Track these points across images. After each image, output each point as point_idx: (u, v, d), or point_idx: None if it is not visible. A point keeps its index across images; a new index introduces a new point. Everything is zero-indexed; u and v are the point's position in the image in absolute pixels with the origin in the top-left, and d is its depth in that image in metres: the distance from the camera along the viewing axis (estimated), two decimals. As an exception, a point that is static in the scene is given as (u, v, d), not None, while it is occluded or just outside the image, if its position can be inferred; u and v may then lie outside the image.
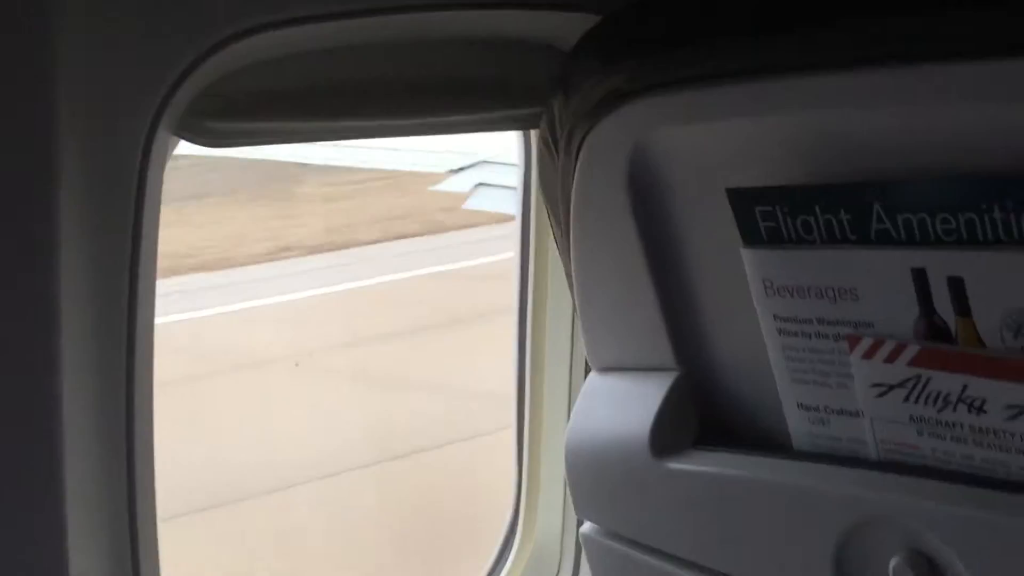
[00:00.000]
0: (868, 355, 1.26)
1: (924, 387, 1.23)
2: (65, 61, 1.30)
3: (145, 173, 1.38)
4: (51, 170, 1.30)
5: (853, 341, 1.27)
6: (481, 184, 7.08)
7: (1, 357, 1.32)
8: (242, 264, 9.65)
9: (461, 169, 7.33)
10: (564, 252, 1.57)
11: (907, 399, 1.25)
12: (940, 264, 1.19)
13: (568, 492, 1.95)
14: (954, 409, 1.22)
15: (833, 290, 1.28)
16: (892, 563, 1.25)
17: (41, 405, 1.34)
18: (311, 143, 1.71)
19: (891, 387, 1.26)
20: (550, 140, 1.52)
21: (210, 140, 1.48)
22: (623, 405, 1.50)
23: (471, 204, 7.32)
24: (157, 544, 1.51)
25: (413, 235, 10.35)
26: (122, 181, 1.37)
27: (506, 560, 2.02)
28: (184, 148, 1.52)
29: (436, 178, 7.86)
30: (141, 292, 1.41)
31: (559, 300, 1.92)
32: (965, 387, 1.20)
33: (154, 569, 1.51)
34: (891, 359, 1.25)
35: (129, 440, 1.44)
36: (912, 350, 1.23)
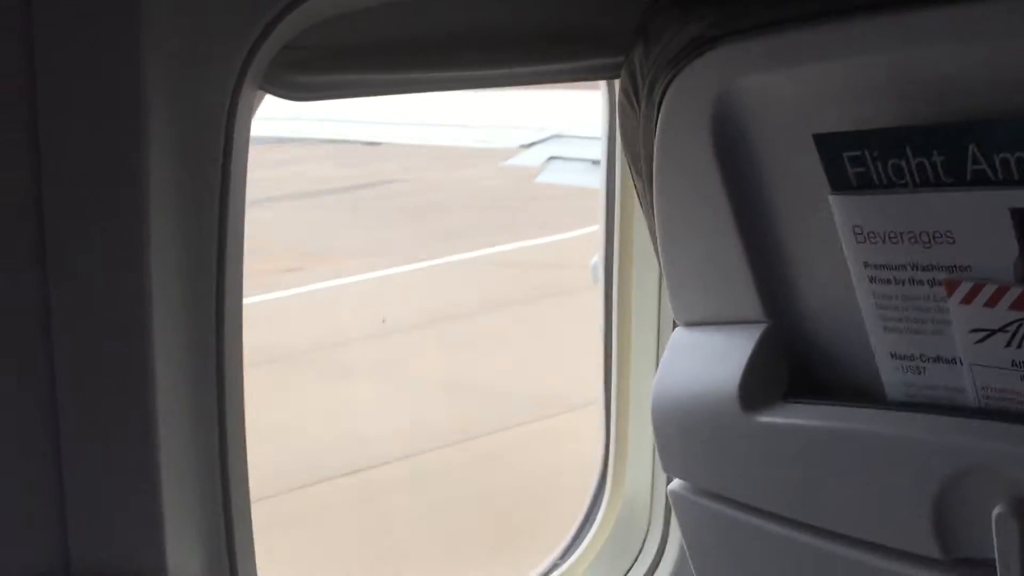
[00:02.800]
0: (967, 300, 1.23)
1: None
2: (150, 18, 1.30)
3: (232, 126, 1.38)
4: (139, 125, 1.31)
5: (951, 286, 1.23)
6: (553, 158, 7.06)
7: (92, 315, 1.33)
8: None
9: (532, 144, 7.32)
10: (647, 206, 1.54)
11: (1009, 344, 1.21)
12: None
13: (657, 450, 1.94)
14: None
15: (927, 234, 1.24)
16: (995, 512, 1.22)
17: (133, 365, 1.35)
18: (397, 95, 1.71)
19: (992, 332, 1.22)
20: (631, 91, 1.49)
21: (295, 94, 1.49)
22: (711, 359, 1.48)
23: (543, 178, 7.30)
24: (252, 533, 1.52)
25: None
26: (210, 135, 1.38)
27: (594, 519, 2.01)
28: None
29: (507, 153, 7.85)
30: (230, 246, 1.41)
31: (645, 255, 1.90)
32: None
33: (249, 556, 1.52)
34: (992, 303, 1.21)
35: (221, 424, 1.45)
36: (1014, 293, 1.19)
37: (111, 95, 1.32)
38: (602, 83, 1.88)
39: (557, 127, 7.22)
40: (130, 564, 1.38)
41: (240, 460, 1.49)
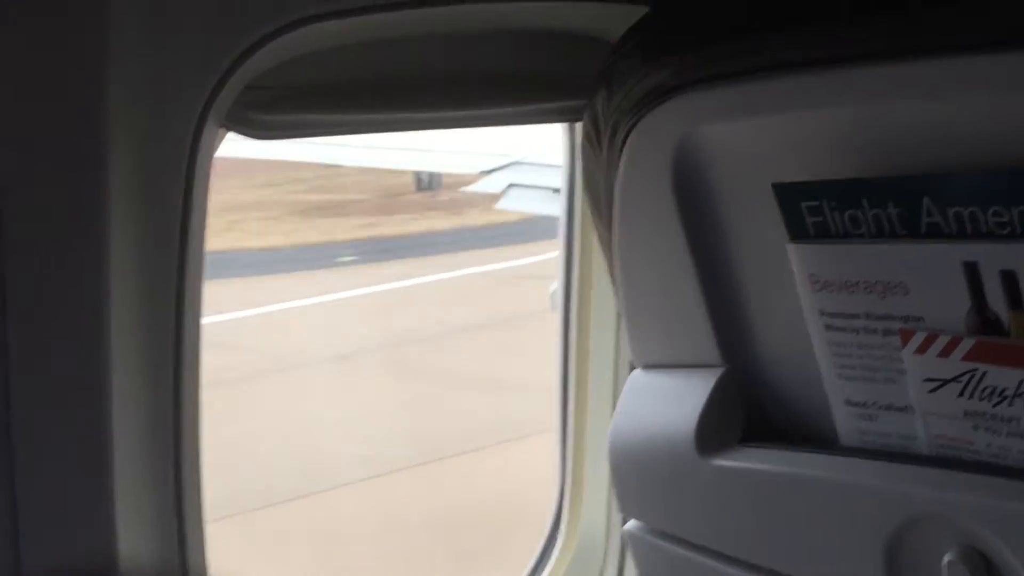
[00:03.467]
0: (921, 350, 1.25)
1: (979, 381, 1.22)
2: (116, 53, 1.31)
3: (194, 164, 1.38)
4: (101, 161, 1.31)
5: (906, 335, 1.25)
6: (513, 185, 7.08)
7: (52, 351, 1.33)
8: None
9: (493, 170, 7.33)
10: (607, 248, 1.56)
11: (962, 394, 1.23)
12: (992, 257, 1.17)
13: (612, 490, 1.95)
14: (1010, 404, 1.20)
15: (882, 284, 1.26)
16: (945, 560, 1.23)
17: (91, 403, 1.34)
18: (353, 136, 1.72)
19: (945, 382, 1.24)
20: (593, 135, 1.51)
21: (258, 132, 1.49)
22: (668, 402, 1.49)
23: (503, 205, 7.32)
24: (203, 525, 1.52)
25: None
26: (171, 172, 1.38)
27: (549, 558, 2.02)
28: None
29: (468, 179, 7.87)
30: (189, 280, 1.41)
31: (603, 297, 1.92)
32: (1021, 381, 1.18)
33: (201, 551, 1.51)
34: (945, 353, 1.23)
35: (176, 419, 1.44)
36: (967, 344, 1.21)
37: (73, 126, 1.32)
38: (562, 129, 1.90)
39: (517, 154, 7.24)
40: (82, 563, 1.37)
41: (194, 464, 1.49)
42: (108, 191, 1.32)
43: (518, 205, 7.29)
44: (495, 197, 7.38)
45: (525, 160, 7.12)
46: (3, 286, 1.31)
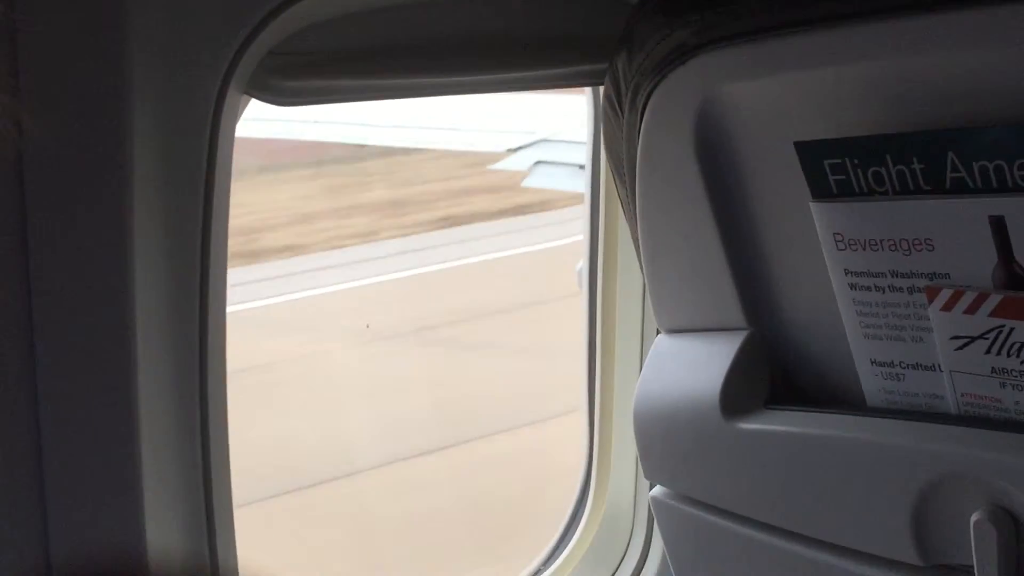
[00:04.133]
0: (947, 307, 1.23)
1: (1007, 338, 1.20)
2: (136, 20, 1.30)
3: (216, 131, 1.38)
4: (124, 129, 1.31)
5: (932, 293, 1.24)
6: (540, 162, 7.06)
7: (76, 325, 1.33)
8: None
9: (520, 148, 7.32)
10: (630, 212, 1.55)
11: (989, 351, 1.22)
12: (1019, 210, 1.16)
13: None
14: None
15: (907, 242, 1.25)
16: (973, 519, 1.22)
17: (115, 365, 1.35)
18: (380, 101, 1.71)
19: (972, 339, 1.23)
20: (615, 97, 1.50)
21: (280, 98, 1.48)
22: (692, 366, 1.49)
23: (530, 182, 7.31)
24: (232, 518, 1.52)
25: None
26: (194, 140, 1.38)
27: (577, 526, 2.01)
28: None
29: (494, 157, 7.85)
30: (214, 250, 1.41)
31: (629, 262, 1.90)
32: None
33: (230, 541, 1.52)
34: (971, 310, 1.22)
35: (203, 408, 1.44)
36: (994, 300, 1.20)
37: (95, 95, 1.32)
38: (587, 89, 1.89)
39: (544, 131, 7.22)
40: (111, 561, 1.38)
41: (221, 439, 1.49)
42: (131, 158, 1.32)
43: (546, 182, 7.27)
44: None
45: (552, 137, 7.11)
46: (27, 254, 1.32)
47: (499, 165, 7.73)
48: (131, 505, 1.37)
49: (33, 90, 1.29)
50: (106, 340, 1.35)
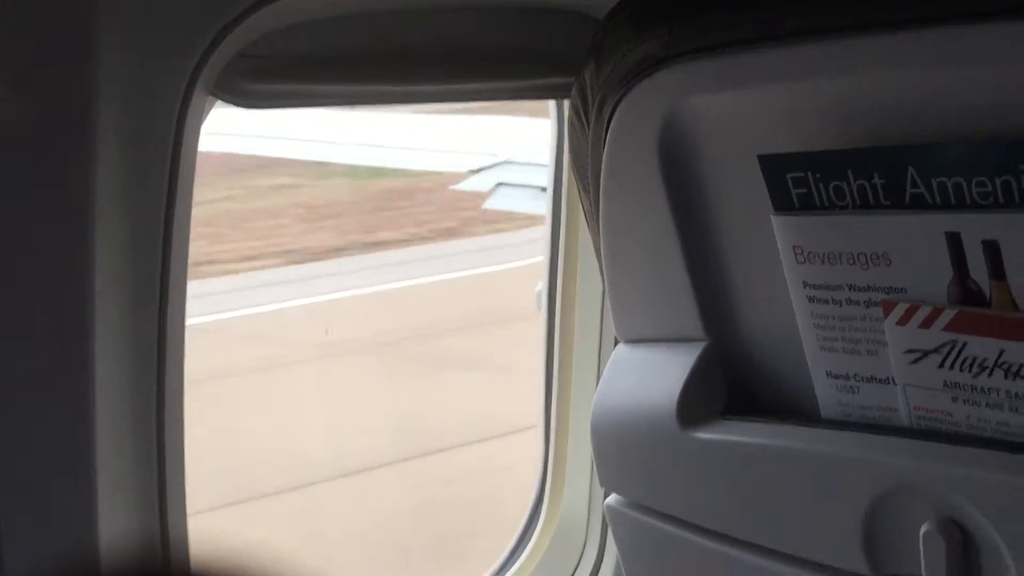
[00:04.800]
0: (903, 321, 1.25)
1: (959, 352, 1.22)
2: (103, 22, 1.30)
3: (181, 133, 1.38)
4: (89, 129, 1.31)
5: (888, 307, 1.26)
6: (501, 184, 7.09)
7: (33, 312, 1.33)
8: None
9: (481, 169, 7.34)
10: (593, 223, 1.56)
11: (942, 365, 1.24)
12: (975, 228, 1.18)
13: (595, 467, 1.95)
14: (990, 374, 1.21)
15: (865, 256, 1.27)
16: (923, 530, 1.24)
17: (73, 362, 1.34)
18: (349, 107, 1.72)
19: (926, 353, 1.25)
20: (581, 108, 1.51)
21: (246, 101, 1.49)
22: (650, 376, 1.50)
23: (491, 204, 7.33)
24: (186, 519, 1.51)
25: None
26: (159, 139, 1.38)
27: (532, 534, 2.02)
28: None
29: (456, 178, 7.86)
30: (175, 251, 1.41)
31: (589, 274, 1.92)
32: (1002, 352, 1.19)
33: (183, 542, 1.51)
34: (926, 324, 1.24)
35: (160, 403, 1.44)
36: (948, 315, 1.22)
37: (61, 90, 1.31)
38: (551, 106, 1.90)
39: (507, 153, 7.25)
40: (64, 558, 1.37)
41: (178, 458, 1.48)
42: (95, 156, 1.32)
43: (507, 204, 7.29)
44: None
45: (514, 159, 7.14)
46: None
47: (461, 186, 7.75)
48: (85, 505, 1.36)
49: None
50: (65, 336, 1.35)
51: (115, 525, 1.40)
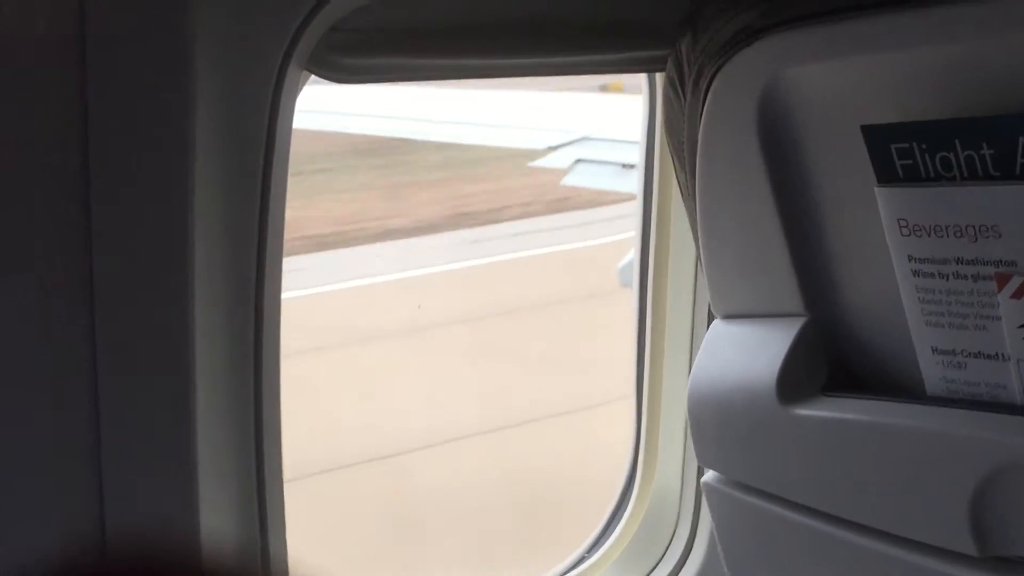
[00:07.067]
0: (1018, 295, 1.22)
1: None
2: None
3: (277, 107, 1.38)
4: (186, 103, 1.31)
5: (1003, 280, 1.23)
6: (580, 160, 7.06)
7: (132, 280, 1.34)
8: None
9: (560, 146, 7.32)
10: (689, 197, 1.54)
11: None
12: None
13: (688, 441, 1.93)
14: None
15: (974, 228, 1.24)
16: None
17: (171, 342, 1.35)
18: (438, 82, 1.71)
19: None
20: (677, 80, 1.49)
21: (340, 76, 1.48)
22: (749, 352, 1.48)
23: (569, 180, 7.30)
24: (283, 502, 1.53)
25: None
26: (255, 113, 1.38)
27: (625, 509, 2.01)
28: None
29: (535, 155, 7.85)
30: (271, 225, 1.41)
31: (681, 250, 1.90)
32: None
33: (280, 526, 1.52)
34: None
35: (257, 391, 1.45)
36: None
37: (157, 69, 1.32)
38: (643, 82, 1.88)
39: (585, 130, 7.22)
40: (164, 534, 1.39)
41: (275, 442, 1.49)
42: (193, 132, 1.32)
43: (585, 181, 7.26)
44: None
45: (593, 136, 7.10)
46: (89, 231, 1.32)
47: (539, 162, 7.73)
48: (186, 488, 1.37)
49: (97, 62, 1.30)
50: (164, 319, 1.36)
51: (215, 510, 1.41)
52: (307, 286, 7.70)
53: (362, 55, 1.49)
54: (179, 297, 1.35)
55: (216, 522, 1.42)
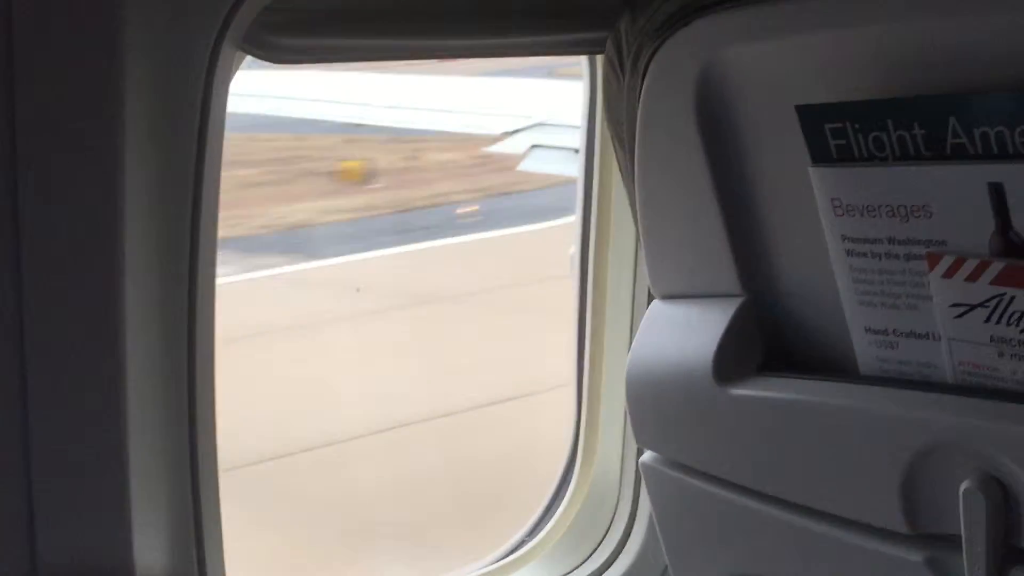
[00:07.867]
0: (949, 274, 1.23)
1: (1007, 306, 1.20)
2: None
3: (210, 89, 1.37)
4: (116, 84, 1.30)
5: (933, 259, 1.23)
6: (536, 146, 7.05)
7: (65, 260, 1.32)
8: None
9: (516, 131, 7.31)
10: (628, 177, 1.54)
11: (988, 319, 1.21)
12: (1018, 178, 1.15)
13: (628, 422, 1.94)
14: None
15: (905, 208, 1.24)
16: (962, 488, 1.22)
17: (102, 332, 1.34)
18: (375, 62, 1.69)
19: (972, 307, 1.22)
20: (616, 60, 1.49)
21: (274, 56, 1.47)
22: (686, 332, 1.48)
23: (525, 166, 7.29)
24: (221, 529, 1.52)
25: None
26: (187, 95, 1.36)
27: (565, 491, 2.01)
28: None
29: (490, 140, 7.83)
30: (204, 210, 1.40)
31: (622, 229, 1.90)
32: None
33: (218, 549, 1.51)
34: (973, 277, 1.21)
35: (192, 418, 1.44)
36: (995, 268, 1.19)
37: (87, 48, 1.30)
38: (584, 65, 1.88)
39: (541, 115, 7.22)
40: (98, 562, 1.37)
41: (210, 455, 1.48)
42: (123, 115, 1.31)
43: (541, 166, 7.26)
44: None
45: (548, 121, 7.10)
46: (16, 216, 1.30)
47: (494, 148, 7.72)
48: (119, 515, 1.36)
49: (24, 44, 1.28)
50: (95, 302, 1.34)
51: (149, 538, 1.40)
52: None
53: (298, 35, 1.48)
54: (111, 284, 1.33)
55: (151, 552, 1.40)
